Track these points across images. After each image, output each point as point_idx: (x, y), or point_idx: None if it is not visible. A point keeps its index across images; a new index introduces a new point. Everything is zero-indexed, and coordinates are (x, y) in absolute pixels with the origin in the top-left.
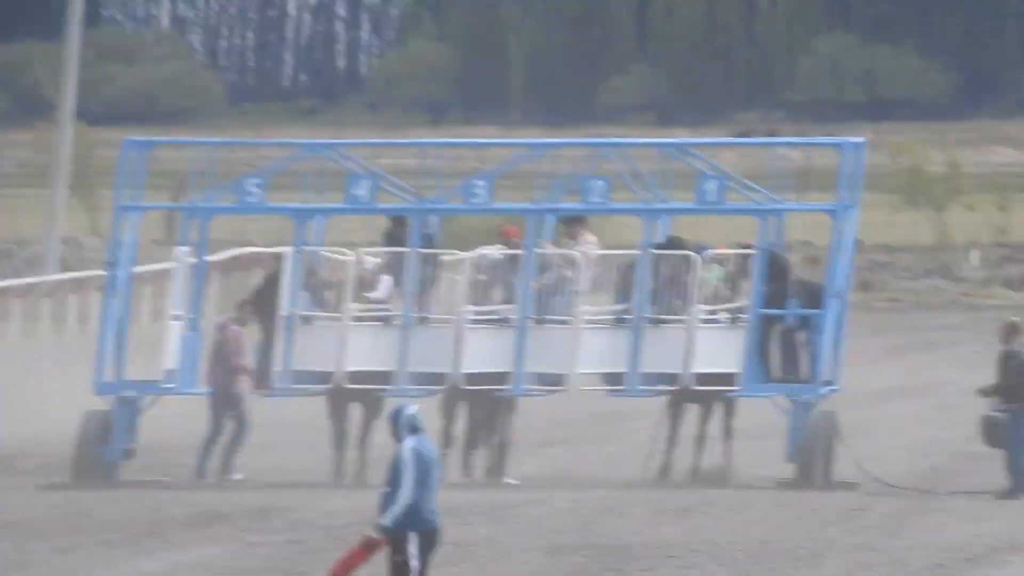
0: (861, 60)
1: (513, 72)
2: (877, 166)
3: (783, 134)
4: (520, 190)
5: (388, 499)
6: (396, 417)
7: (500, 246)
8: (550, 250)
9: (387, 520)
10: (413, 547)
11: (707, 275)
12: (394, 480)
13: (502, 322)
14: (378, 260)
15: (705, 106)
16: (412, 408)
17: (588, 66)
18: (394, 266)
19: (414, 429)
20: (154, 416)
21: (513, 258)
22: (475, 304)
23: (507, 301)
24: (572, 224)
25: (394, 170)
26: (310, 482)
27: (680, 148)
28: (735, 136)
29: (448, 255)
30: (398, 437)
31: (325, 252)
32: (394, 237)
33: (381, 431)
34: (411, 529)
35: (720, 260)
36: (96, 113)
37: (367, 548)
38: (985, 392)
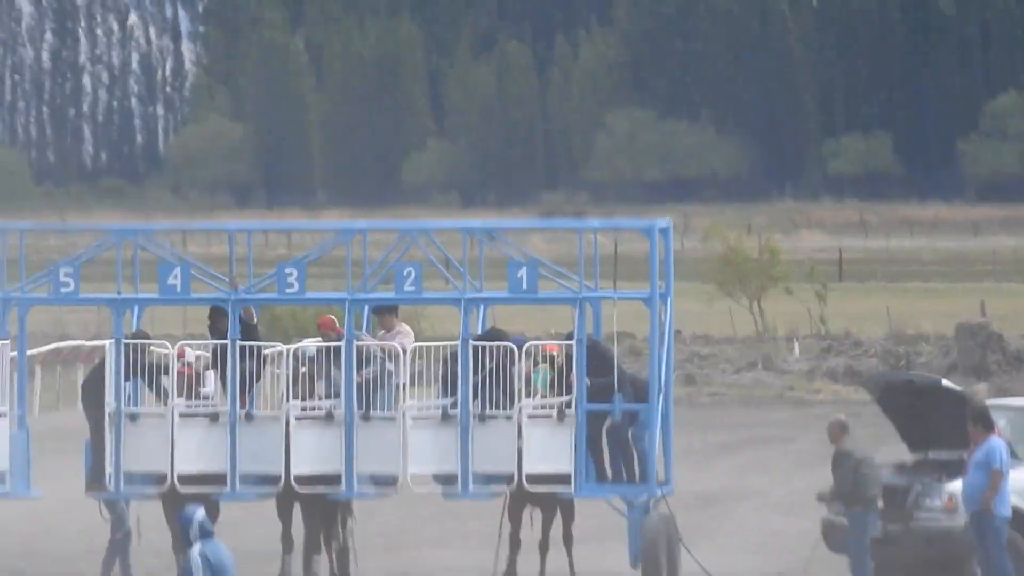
0: (657, 136)
1: (313, 149)
2: (689, 250)
3: (590, 216)
4: (331, 278)
5: None
6: (185, 522)
7: (317, 338)
8: (371, 342)
9: None
10: None
11: (534, 377)
12: None
13: (328, 418)
14: (198, 353)
15: (508, 185)
16: (200, 512)
17: (387, 143)
18: (217, 359)
19: (204, 533)
20: None
21: (332, 350)
22: (297, 398)
23: (330, 395)
24: (385, 314)
25: (204, 257)
26: None
27: (488, 232)
28: (540, 217)
29: (269, 347)
30: (187, 542)
31: (148, 344)
32: (217, 329)
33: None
34: None
35: (546, 358)
36: None
37: None
38: (823, 497)
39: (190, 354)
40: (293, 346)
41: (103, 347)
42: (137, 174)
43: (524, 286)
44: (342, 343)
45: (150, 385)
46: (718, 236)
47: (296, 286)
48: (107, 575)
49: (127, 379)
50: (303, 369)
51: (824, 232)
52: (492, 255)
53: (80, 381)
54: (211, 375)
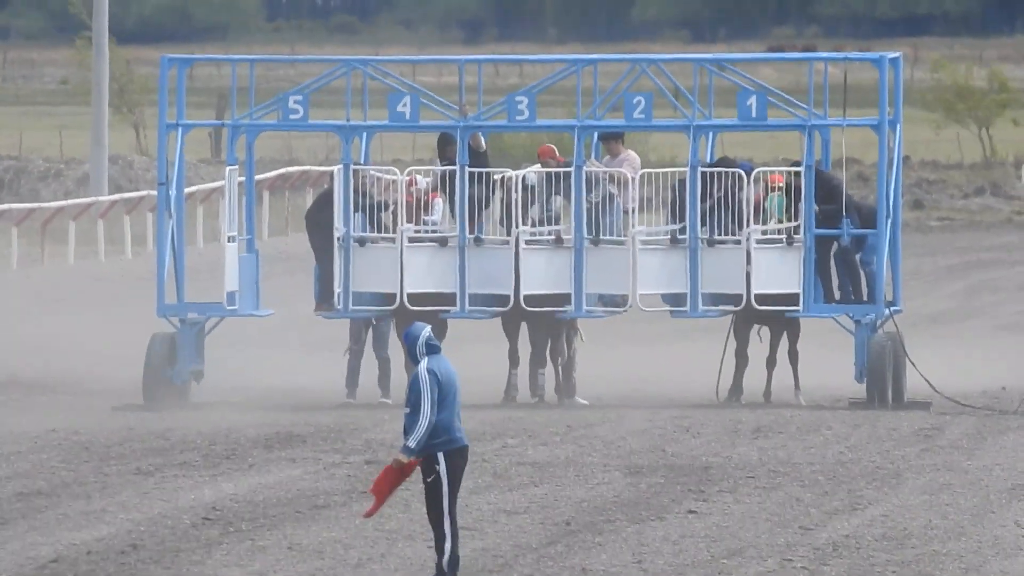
0: None
1: None
2: (918, 81)
3: (819, 50)
4: (560, 106)
5: (410, 421)
6: (412, 339)
7: (538, 166)
8: (597, 168)
9: (412, 442)
10: (442, 466)
11: (767, 205)
12: (414, 402)
13: (557, 242)
14: (428, 179)
15: (739, 22)
16: (426, 330)
17: None
18: (446, 186)
19: (430, 349)
20: (218, 337)
21: (552, 176)
22: (523, 224)
23: (543, 221)
24: (611, 140)
25: (434, 87)
26: (381, 403)
27: (718, 63)
28: (769, 52)
29: (498, 173)
30: (414, 358)
31: (374, 171)
32: (446, 156)
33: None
34: (438, 449)
35: (776, 187)
36: (129, 31)
37: (398, 471)
38: None
39: (421, 181)
40: (520, 172)
41: (330, 173)
42: (368, 11)
43: (753, 114)
44: (564, 170)
45: (370, 221)
46: (947, 68)
47: (527, 113)
48: (351, 382)
49: (354, 209)
50: (514, 195)
51: None
52: (722, 86)
53: (307, 206)
54: (439, 202)
